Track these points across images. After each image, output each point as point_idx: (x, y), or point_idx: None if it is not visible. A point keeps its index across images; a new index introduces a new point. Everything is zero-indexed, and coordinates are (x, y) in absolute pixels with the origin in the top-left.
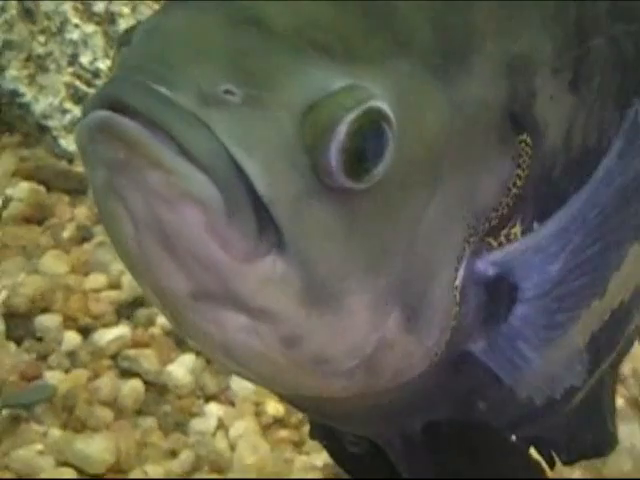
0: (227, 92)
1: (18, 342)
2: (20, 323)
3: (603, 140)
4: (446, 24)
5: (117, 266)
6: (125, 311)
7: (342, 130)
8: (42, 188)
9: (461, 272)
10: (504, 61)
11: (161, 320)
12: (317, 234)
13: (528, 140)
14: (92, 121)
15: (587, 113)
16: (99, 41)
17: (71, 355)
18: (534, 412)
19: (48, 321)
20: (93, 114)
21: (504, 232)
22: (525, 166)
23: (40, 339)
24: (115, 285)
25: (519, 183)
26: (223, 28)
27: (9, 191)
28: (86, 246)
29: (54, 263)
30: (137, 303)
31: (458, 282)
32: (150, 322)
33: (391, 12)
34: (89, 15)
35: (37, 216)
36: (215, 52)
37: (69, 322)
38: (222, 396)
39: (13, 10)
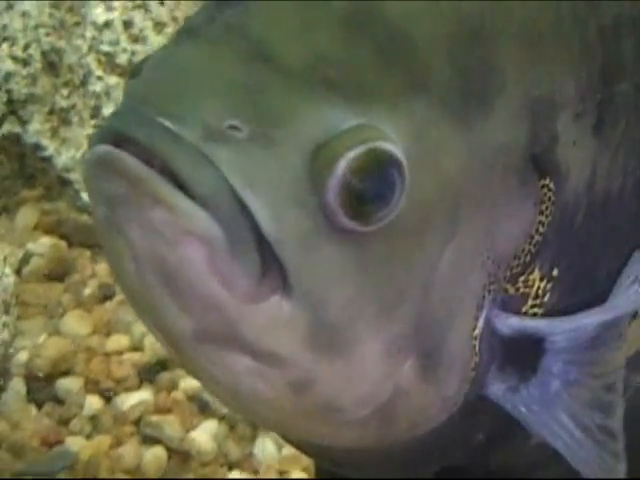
0: (233, 128)
1: (39, 405)
2: (41, 386)
3: (627, 187)
4: (466, 63)
5: (139, 327)
6: (147, 374)
7: (341, 167)
8: (63, 243)
9: (481, 321)
10: (526, 104)
11: (184, 384)
12: (325, 276)
13: (551, 185)
14: (94, 156)
15: (610, 159)
16: (122, 93)
17: (93, 420)
18: (550, 457)
19: (70, 384)
20: (95, 148)
21: (522, 278)
22: (548, 212)
23: (61, 402)
24: (137, 347)
25: (541, 230)
26: (232, 63)
27: (30, 246)
28: (108, 304)
29: (76, 323)
30: (160, 366)
31: (477, 331)
32: (173, 386)
33: (408, 49)
34: (112, 67)
35: (58, 272)
36: (223, 87)
37: (91, 385)
38: (246, 464)
39: (37, 64)
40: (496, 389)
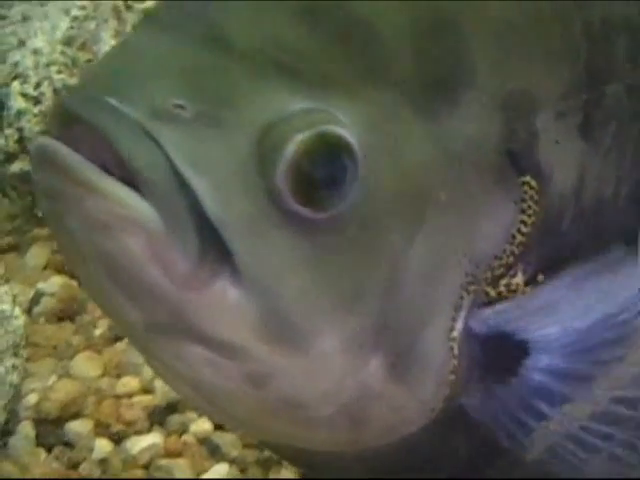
0: (178, 107)
1: (48, 449)
2: (51, 429)
3: (621, 191)
4: (431, 54)
5: (149, 369)
6: (158, 417)
7: (290, 150)
8: (74, 283)
9: (459, 323)
10: (498, 97)
11: (195, 427)
12: (275, 263)
13: (532, 183)
14: (33, 148)
15: (601, 162)
16: None
17: (103, 463)
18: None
19: (79, 427)
20: (35, 140)
21: (504, 281)
22: (530, 212)
23: (71, 446)
24: (148, 389)
25: (524, 230)
26: (185, 45)
27: (40, 285)
28: (118, 345)
29: (86, 365)
30: (170, 409)
31: (456, 333)
32: (184, 429)
33: (368, 36)
34: None
35: (68, 312)
36: (173, 68)
37: (101, 428)
38: None
39: (49, 102)
40: (477, 402)
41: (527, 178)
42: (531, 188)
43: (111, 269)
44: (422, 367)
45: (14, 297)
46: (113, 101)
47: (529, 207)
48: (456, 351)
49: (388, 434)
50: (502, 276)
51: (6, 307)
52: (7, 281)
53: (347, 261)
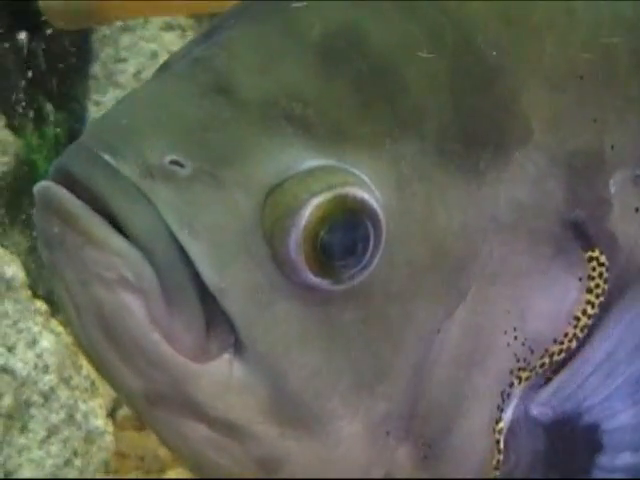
0: (175, 163)
1: None
2: None
3: None
4: (474, 105)
5: None
6: None
7: (304, 216)
8: None
9: (508, 413)
10: (559, 158)
11: None
12: (284, 338)
13: (601, 259)
14: (35, 194)
15: None
16: None
17: None
18: None
19: None
20: (37, 186)
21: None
22: (599, 291)
23: None
24: None
25: (590, 311)
26: (189, 96)
27: None
28: None
29: None
30: None
31: (502, 425)
32: None
33: (395, 85)
34: None
35: None
36: (172, 121)
37: None
38: None
39: None
40: None
41: (595, 253)
42: (600, 264)
43: (109, 328)
44: (458, 462)
45: (100, 405)
46: (107, 157)
47: (597, 286)
48: (502, 445)
49: None
50: (563, 364)
51: (99, 423)
52: (95, 392)
53: (366, 337)
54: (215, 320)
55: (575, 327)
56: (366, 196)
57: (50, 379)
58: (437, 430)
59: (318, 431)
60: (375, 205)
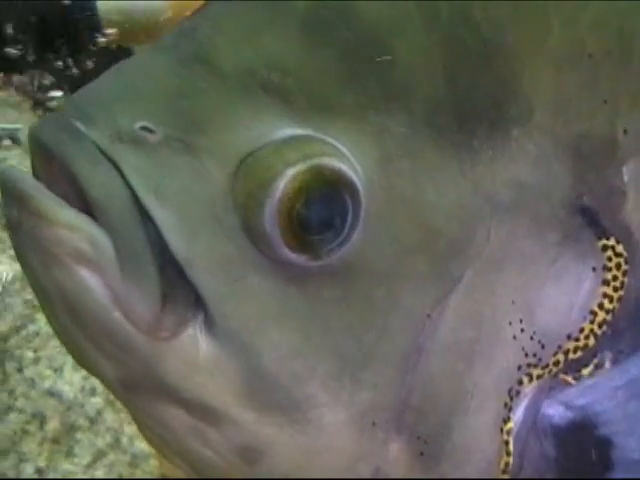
0: (145, 130)
1: None
2: None
3: None
4: (469, 80)
5: None
6: None
7: (279, 187)
8: None
9: (519, 413)
10: (564, 140)
11: None
12: (257, 313)
13: (619, 249)
14: None
15: None
16: None
17: None
18: None
19: None
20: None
21: (588, 370)
22: (617, 284)
23: None
24: None
25: (608, 306)
26: (169, 67)
27: None
28: None
29: None
30: None
31: (512, 425)
32: None
33: (385, 57)
34: None
35: None
36: (148, 90)
37: None
38: None
39: None
40: None
41: (610, 241)
42: (617, 255)
43: (74, 312)
44: (461, 461)
45: None
46: (77, 123)
47: (614, 278)
48: (512, 447)
49: None
50: (583, 363)
51: (145, 446)
52: None
53: (348, 319)
54: (175, 293)
55: (592, 322)
56: (344, 167)
57: (96, 402)
58: (434, 425)
59: (297, 418)
60: (354, 177)
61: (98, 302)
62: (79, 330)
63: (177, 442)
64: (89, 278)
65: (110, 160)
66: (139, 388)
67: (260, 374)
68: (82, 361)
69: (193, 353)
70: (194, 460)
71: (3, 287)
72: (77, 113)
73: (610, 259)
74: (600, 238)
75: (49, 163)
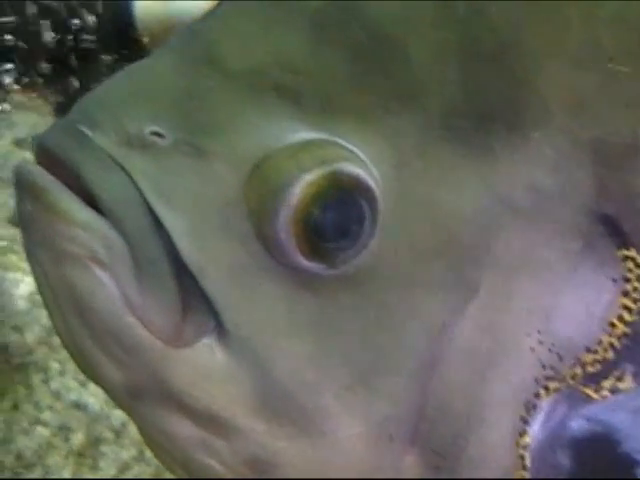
0: (154, 134)
1: None
2: None
3: None
4: (486, 80)
5: None
6: None
7: (294, 194)
8: None
9: (535, 427)
10: (584, 144)
11: None
12: (269, 322)
13: (639, 260)
14: (12, 175)
15: None
16: None
17: None
18: None
19: None
20: (15, 167)
21: (608, 383)
22: (637, 296)
23: None
24: None
25: (628, 318)
26: (178, 68)
27: None
28: None
29: None
30: None
31: (528, 439)
32: None
33: (399, 56)
34: None
35: None
36: (157, 93)
37: None
38: None
39: None
40: None
41: (631, 252)
42: (637, 266)
43: (82, 311)
44: (475, 476)
45: None
46: (84, 128)
47: (635, 289)
48: (528, 462)
49: None
50: (603, 376)
51: None
52: None
53: (364, 329)
54: (193, 302)
55: (610, 335)
56: (361, 172)
57: (121, 414)
58: (450, 438)
59: (310, 430)
60: (371, 183)
61: (111, 304)
62: (86, 331)
63: (182, 452)
64: (103, 279)
65: (120, 166)
66: (146, 396)
67: (272, 384)
68: (84, 365)
69: (204, 361)
70: (198, 472)
71: (30, 298)
72: (83, 118)
73: (630, 270)
74: (620, 248)
75: (54, 172)
